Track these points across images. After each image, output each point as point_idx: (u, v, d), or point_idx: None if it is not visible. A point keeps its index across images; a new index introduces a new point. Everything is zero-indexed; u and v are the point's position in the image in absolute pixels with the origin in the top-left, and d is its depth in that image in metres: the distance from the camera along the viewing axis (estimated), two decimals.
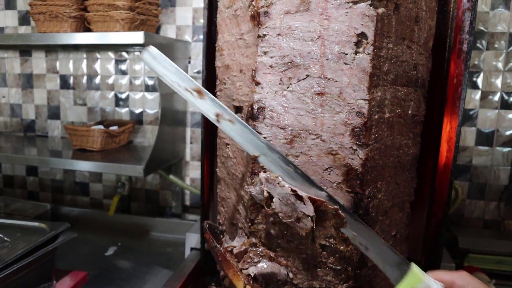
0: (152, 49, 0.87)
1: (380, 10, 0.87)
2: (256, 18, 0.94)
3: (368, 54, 0.88)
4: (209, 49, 1.23)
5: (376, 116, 0.92)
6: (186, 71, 1.90)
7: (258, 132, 0.96)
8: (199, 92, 0.88)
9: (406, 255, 1.15)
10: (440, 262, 1.23)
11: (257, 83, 0.95)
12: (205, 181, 1.35)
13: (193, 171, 2.13)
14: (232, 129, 0.89)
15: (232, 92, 1.08)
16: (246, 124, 0.90)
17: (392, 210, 1.03)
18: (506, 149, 1.74)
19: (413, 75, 1.00)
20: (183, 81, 0.88)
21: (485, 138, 1.77)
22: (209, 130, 1.33)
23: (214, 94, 1.19)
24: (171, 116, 1.90)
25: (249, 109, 0.98)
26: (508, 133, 1.74)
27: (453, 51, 1.25)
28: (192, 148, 2.11)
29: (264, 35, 0.93)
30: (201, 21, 1.88)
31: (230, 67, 1.08)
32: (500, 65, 1.72)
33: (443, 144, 1.28)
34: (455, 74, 1.22)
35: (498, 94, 1.73)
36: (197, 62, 1.99)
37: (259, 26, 0.93)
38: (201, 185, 1.37)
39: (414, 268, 0.78)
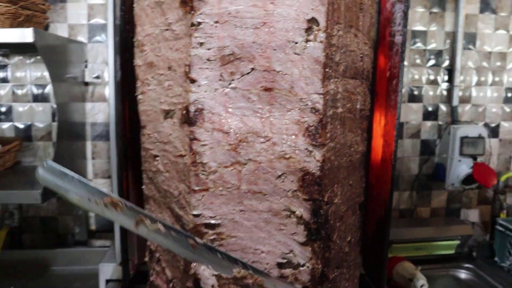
0: (49, 163, 0.67)
1: None
2: (188, 3, 0.79)
3: (321, 42, 0.78)
4: (123, 45, 1.03)
5: (330, 112, 0.82)
6: (83, 76, 1.65)
7: (197, 138, 0.80)
8: (114, 204, 0.69)
9: (359, 260, 1.08)
10: (385, 262, 1.19)
11: (193, 81, 0.80)
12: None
13: None
14: (160, 237, 0.72)
15: (159, 94, 0.90)
16: (176, 228, 0.74)
17: (347, 214, 0.95)
18: (414, 140, 1.80)
19: (360, 66, 0.93)
20: (93, 194, 0.68)
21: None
22: (126, 140, 1.13)
23: (135, 98, 1.00)
24: (68, 129, 1.63)
25: (184, 112, 0.82)
26: (414, 124, 1.79)
27: (382, 43, 1.22)
28: (94, 164, 1.84)
29: (199, 23, 0.78)
30: (98, 19, 1.64)
31: (155, 65, 0.91)
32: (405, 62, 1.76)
33: (377, 139, 1.24)
34: (387, 67, 1.18)
35: (405, 88, 1.77)
36: (96, 65, 1.73)
37: (192, 12, 0.78)
38: None
39: None
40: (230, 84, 0.79)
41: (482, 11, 1.75)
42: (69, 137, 1.64)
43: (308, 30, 0.78)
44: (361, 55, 0.93)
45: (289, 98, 0.79)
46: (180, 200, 0.86)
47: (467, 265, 1.70)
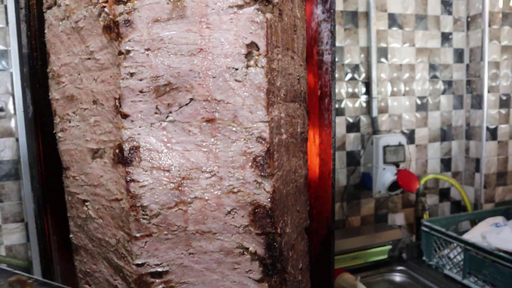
0: None
1: (269, 16, 0.74)
2: (114, 30, 0.70)
3: (262, 67, 0.74)
4: (33, 76, 0.91)
5: (276, 139, 0.78)
6: None
7: (134, 179, 0.72)
8: (21, 282, 0.59)
9: (309, 286, 1.05)
10: (333, 280, 1.18)
11: (125, 116, 0.71)
12: (48, 249, 1.00)
13: (9, 237, 1.64)
14: None
15: (83, 131, 0.80)
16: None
17: (297, 242, 0.91)
18: (340, 152, 1.85)
19: (298, 88, 0.91)
20: None
21: None
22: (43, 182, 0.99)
23: (51, 134, 0.88)
24: None
25: (116, 151, 0.73)
26: (338, 137, 1.84)
27: (310, 62, 1.22)
28: (3, 207, 1.62)
29: (128, 51, 0.70)
30: None
31: (77, 98, 0.80)
32: None
33: (313, 158, 1.23)
34: (317, 86, 1.18)
35: None
36: None
37: (120, 39, 0.70)
38: (42, 256, 1.01)
39: None
40: (167, 117, 0.72)
41: (390, 26, 1.86)
42: None
43: (248, 55, 0.74)
44: (298, 77, 0.91)
45: (233, 129, 0.74)
46: (119, 249, 0.76)
47: (399, 267, 1.77)
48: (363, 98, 1.84)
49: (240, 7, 0.73)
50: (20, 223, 1.57)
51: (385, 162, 1.77)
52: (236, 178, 0.75)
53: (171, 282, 0.75)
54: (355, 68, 1.82)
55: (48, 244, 0.99)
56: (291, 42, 0.86)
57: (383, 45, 1.85)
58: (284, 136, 0.82)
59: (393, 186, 1.76)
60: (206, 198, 0.75)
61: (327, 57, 1.11)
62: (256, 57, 0.74)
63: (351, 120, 1.85)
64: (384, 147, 1.76)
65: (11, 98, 1.47)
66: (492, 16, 1.84)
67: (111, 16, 0.71)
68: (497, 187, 1.92)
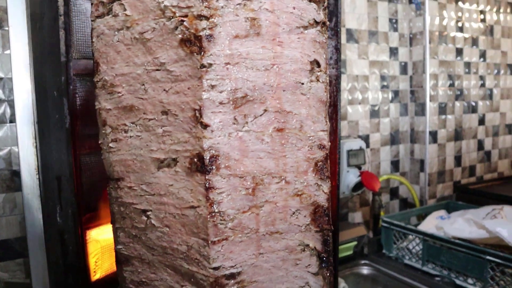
0: None
1: (325, 36, 0.83)
2: (195, 43, 0.74)
3: (323, 82, 0.83)
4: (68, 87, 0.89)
5: (329, 146, 0.87)
6: None
7: (213, 187, 0.76)
8: None
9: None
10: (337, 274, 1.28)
11: (205, 126, 0.75)
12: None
13: None
14: None
15: (147, 141, 0.81)
16: None
17: None
18: None
19: (327, 99, 1.00)
20: None
21: None
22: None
23: (97, 146, 0.87)
24: None
25: (195, 160, 0.76)
26: None
27: None
28: None
29: (210, 65, 0.74)
30: None
31: (138, 108, 0.81)
32: None
33: None
34: None
35: None
36: None
37: (202, 53, 0.74)
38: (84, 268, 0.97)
39: None
40: (244, 127, 0.77)
41: (348, 40, 2.04)
42: None
43: (311, 71, 0.82)
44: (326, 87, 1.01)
45: (299, 137, 0.81)
46: (191, 255, 0.79)
47: (363, 261, 1.94)
48: None
49: (305, 27, 0.81)
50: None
51: (348, 165, 1.93)
52: (301, 182, 0.82)
53: (244, 282, 0.80)
54: None
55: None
56: (326, 57, 0.96)
57: (343, 57, 2.03)
58: (330, 143, 0.91)
59: (357, 186, 1.94)
60: (275, 201, 0.81)
61: (331, 71, 1.23)
62: (318, 73, 0.82)
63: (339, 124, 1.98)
64: (348, 151, 1.93)
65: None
66: (431, 34, 2.12)
67: (192, 31, 0.74)
68: (438, 184, 2.20)
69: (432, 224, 1.94)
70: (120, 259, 0.90)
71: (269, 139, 0.79)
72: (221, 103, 0.75)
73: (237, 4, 0.75)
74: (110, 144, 0.86)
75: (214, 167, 0.75)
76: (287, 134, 0.80)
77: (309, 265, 0.85)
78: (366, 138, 2.12)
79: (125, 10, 0.81)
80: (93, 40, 0.85)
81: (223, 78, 0.75)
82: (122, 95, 0.83)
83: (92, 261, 1.04)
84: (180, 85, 0.77)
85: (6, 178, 1.38)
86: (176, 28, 0.75)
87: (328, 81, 0.84)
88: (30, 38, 1.03)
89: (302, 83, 0.81)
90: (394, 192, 2.24)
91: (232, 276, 0.79)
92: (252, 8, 0.76)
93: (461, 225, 1.72)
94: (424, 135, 2.14)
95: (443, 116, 2.17)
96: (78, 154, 0.92)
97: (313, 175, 0.83)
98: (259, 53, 0.77)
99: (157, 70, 0.79)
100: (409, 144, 2.24)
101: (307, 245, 0.85)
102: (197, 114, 0.75)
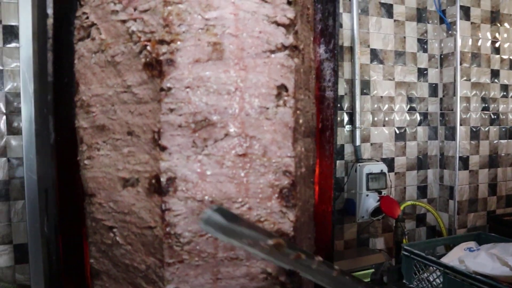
0: (218, 207, 0.67)
1: (296, 60, 0.82)
2: (156, 68, 0.75)
3: (290, 107, 0.81)
4: (58, 103, 0.93)
5: (298, 173, 0.85)
6: None
7: (169, 209, 0.76)
8: (279, 245, 0.67)
9: None
10: None
11: (163, 148, 0.76)
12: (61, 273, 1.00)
13: None
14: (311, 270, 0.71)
15: (115, 160, 0.83)
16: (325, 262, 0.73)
17: None
18: None
19: (312, 124, 0.98)
20: (260, 237, 0.67)
21: None
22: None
23: (75, 161, 0.90)
24: None
25: (153, 181, 0.77)
26: None
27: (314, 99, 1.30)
28: None
29: (169, 88, 0.75)
30: None
31: (108, 128, 0.84)
32: None
33: (315, 188, 1.30)
34: (318, 120, 1.26)
35: None
36: None
37: (162, 77, 0.75)
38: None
39: None
40: (203, 150, 0.77)
41: (372, 61, 1.98)
42: None
43: (278, 95, 0.80)
44: (312, 114, 0.98)
45: (263, 163, 0.80)
46: (149, 275, 0.79)
47: None
48: (347, 127, 1.95)
49: (272, 52, 0.80)
50: (8, 245, 1.54)
51: (368, 189, 1.86)
52: (264, 208, 0.80)
53: None
54: (340, 99, 1.92)
55: (62, 268, 1.00)
56: (308, 82, 0.94)
57: (366, 78, 1.97)
58: (303, 169, 0.89)
59: (376, 211, 1.86)
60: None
61: (329, 93, 1.20)
62: (285, 97, 0.81)
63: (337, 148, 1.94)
64: (368, 175, 1.86)
65: (4, 118, 1.47)
66: (463, 55, 2.01)
67: (153, 55, 0.76)
68: (469, 213, 2.06)
69: (458, 256, 1.81)
70: (92, 273, 0.92)
71: (230, 164, 0.78)
72: (179, 126, 0.76)
73: (199, 29, 0.76)
74: (85, 161, 0.89)
75: (171, 189, 0.76)
76: (249, 159, 0.79)
77: None
78: (390, 162, 2.04)
79: (100, 34, 0.84)
80: (75, 61, 0.90)
81: (182, 102, 0.76)
82: (96, 114, 0.86)
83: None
84: (143, 107, 0.78)
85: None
86: (140, 52, 0.78)
87: (296, 106, 0.82)
88: (34, 55, 1.10)
89: (267, 108, 0.79)
90: (421, 219, 2.12)
91: None
92: (215, 32, 0.77)
93: (484, 259, 1.59)
94: (454, 161, 2.02)
95: (475, 141, 2.04)
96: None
97: (278, 201, 0.81)
98: (221, 78, 0.77)
99: (125, 92, 0.81)
100: (438, 170, 2.12)
101: (270, 274, 0.82)
102: (156, 136, 0.76)
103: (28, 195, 1.16)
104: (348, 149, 1.95)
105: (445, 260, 1.82)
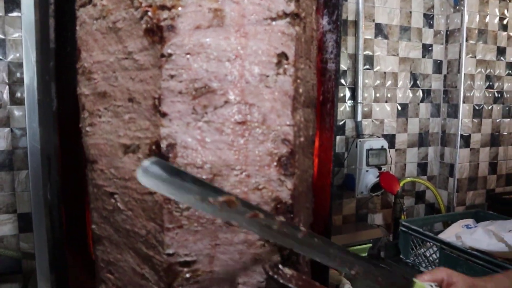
0: (156, 159, 0.64)
1: (297, 29, 0.81)
2: (157, 33, 0.75)
3: (290, 75, 0.81)
4: (61, 71, 0.93)
5: (297, 142, 0.85)
6: None
7: None
8: (230, 202, 0.66)
9: (310, 277, 1.13)
10: (328, 276, 1.26)
11: (164, 114, 0.76)
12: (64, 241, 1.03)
13: (0, 228, 1.63)
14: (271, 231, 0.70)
15: (116, 126, 0.84)
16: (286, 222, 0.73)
17: None
18: None
19: (312, 95, 0.98)
20: (208, 193, 0.66)
21: None
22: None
23: (78, 130, 0.91)
24: None
25: (153, 147, 0.78)
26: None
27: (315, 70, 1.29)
28: None
29: (170, 55, 0.75)
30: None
31: (110, 95, 0.84)
32: None
33: (314, 160, 1.31)
34: (320, 92, 1.26)
35: None
36: None
37: (162, 43, 0.75)
38: (55, 245, 1.03)
39: (416, 281, 0.79)
40: (203, 117, 0.78)
41: (376, 36, 1.97)
42: None
43: (278, 64, 0.80)
44: (312, 84, 0.98)
45: (262, 131, 0.80)
46: (149, 240, 0.81)
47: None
48: (349, 103, 1.94)
49: (273, 19, 0.79)
50: (12, 214, 1.57)
51: (368, 164, 1.87)
52: (262, 176, 0.81)
53: (198, 271, 0.81)
54: (343, 74, 1.92)
55: (65, 235, 1.02)
56: (309, 52, 0.94)
57: (369, 53, 1.96)
58: (302, 139, 0.89)
59: (375, 187, 1.87)
60: (234, 193, 0.80)
61: (331, 66, 1.19)
62: (285, 66, 0.81)
63: (338, 123, 1.94)
64: (368, 150, 1.87)
65: (6, 88, 1.47)
66: (469, 31, 1.99)
67: (154, 21, 0.75)
68: (468, 191, 2.07)
69: (455, 232, 1.83)
70: (94, 238, 0.94)
71: (229, 131, 0.79)
72: (180, 92, 0.76)
73: None
74: (87, 128, 0.90)
75: (171, 155, 0.77)
76: (249, 127, 0.80)
77: (270, 261, 0.84)
78: (391, 138, 2.04)
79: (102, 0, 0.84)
80: (77, 28, 0.90)
81: (183, 68, 0.76)
82: (98, 81, 0.86)
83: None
84: (143, 74, 0.79)
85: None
86: (141, 18, 0.77)
87: (296, 75, 0.82)
88: (36, 23, 1.09)
89: (267, 76, 0.80)
90: (420, 196, 2.14)
91: (186, 264, 0.80)
92: None
93: (480, 236, 1.61)
94: (455, 138, 2.02)
95: (477, 119, 2.03)
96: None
97: (276, 169, 0.82)
98: (221, 44, 0.77)
99: (126, 58, 0.81)
100: (439, 147, 2.12)
101: (268, 241, 0.84)
102: (156, 103, 0.76)
103: (31, 164, 1.17)
104: (349, 125, 1.95)
105: (442, 236, 1.84)
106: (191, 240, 0.80)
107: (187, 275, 0.80)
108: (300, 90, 0.86)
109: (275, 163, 0.82)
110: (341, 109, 1.93)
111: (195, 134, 0.78)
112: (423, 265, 1.80)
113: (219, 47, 0.77)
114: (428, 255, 1.79)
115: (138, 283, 0.85)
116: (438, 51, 2.08)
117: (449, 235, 1.84)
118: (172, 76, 0.76)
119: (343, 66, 1.90)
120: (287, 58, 0.81)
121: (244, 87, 0.79)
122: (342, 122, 1.94)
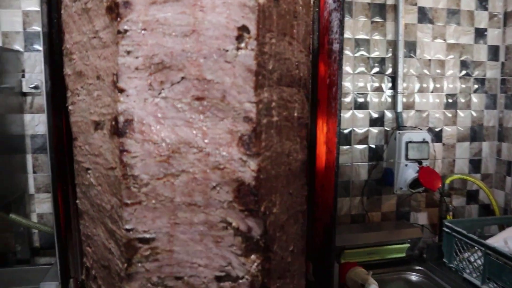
0: None
1: (261, 1, 0.77)
2: (114, 10, 0.76)
3: (252, 50, 0.77)
4: (52, 54, 0.99)
5: (264, 121, 0.81)
6: (20, 86, 1.57)
7: (127, 150, 0.77)
8: None
9: (304, 269, 1.07)
10: (333, 269, 1.19)
11: (121, 90, 0.77)
12: (61, 215, 1.08)
13: (41, 205, 1.76)
14: None
15: (88, 104, 0.86)
16: None
17: (288, 223, 0.94)
18: (362, 147, 1.82)
19: (296, 74, 0.93)
20: None
21: (344, 138, 1.82)
22: (60, 153, 1.07)
23: (66, 109, 0.95)
24: (5, 141, 1.55)
25: (113, 123, 0.79)
26: (361, 131, 1.82)
27: (322, 51, 1.23)
28: (36, 178, 1.75)
29: (126, 31, 0.76)
30: (35, 27, 1.57)
31: (84, 74, 0.87)
32: (349, 69, 1.79)
33: (321, 147, 1.25)
34: (326, 75, 1.19)
35: (351, 96, 1.79)
36: (34, 75, 1.66)
37: (119, 19, 0.75)
38: (55, 221, 1.09)
39: None
40: (160, 93, 0.77)
41: (420, 21, 1.81)
42: (5, 150, 1.56)
43: (239, 38, 0.77)
44: (297, 63, 0.93)
45: (221, 107, 0.77)
46: (113, 215, 0.82)
47: (417, 267, 1.73)
48: (389, 92, 1.82)
49: None
50: (51, 194, 1.69)
51: (407, 158, 1.74)
52: (222, 155, 0.78)
53: (157, 249, 0.80)
54: (381, 61, 1.80)
55: (63, 211, 1.07)
56: (289, 28, 0.88)
57: (412, 39, 1.81)
58: (275, 118, 0.84)
59: (415, 183, 1.73)
60: (193, 172, 0.79)
61: (335, 46, 1.12)
62: (247, 40, 0.77)
63: (375, 114, 1.82)
64: (407, 143, 1.73)
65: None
66: None
67: None
68: None
69: (504, 237, 1.63)
70: (78, 212, 0.98)
71: (187, 107, 0.77)
72: (136, 68, 0.77)
73: None
74: (70, 107, 0.94)
75: (127, 131, 0.77)
76: (207, 103, 0.77)
77: (232, 245, 0.81)
78: (437, 131, 1.87)
79: None
80: (62, 12, 0.94)
81: (139, 44, 0.76)
82: (76, 61, 0.90)
83: None
84: (106, 51, 0.80)
85: None
86: None
87: (260, 49, 0.78)
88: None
89: (227, 50, 0.77)
90: (472, 196, 1.93)
91: (145, 240, 0.80)
92: None
93: None
94: None
95: None
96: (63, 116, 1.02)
97: (237, 149, 0.78)
98: (177, 19, 0.76)
99: (94, 37, 0.83)
100: (495, 142, 1.90)
101: (230, 224, 0.81)
102: (115, 79, 0.77)
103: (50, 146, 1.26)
104: (389, 116, 1.82)
105: (491, 240, 1.65)
106: (149, 217, 0.80)
107: (147, 253, 0.80)
108: (270, 67, 0.81)
109: (236, 142, 0.78)
110: (381, 99, 1.81)
111: (152, 110, 0.77)
112: (467, 270, 1.63)
113: (175, 22, 0.76)
114: (472, 260, 1.62)
115: (106, 257, 0.87)
116: (494, 36, 1.86)
117: (498, 239, 1.64)
118: (128, 52, 0.76)
119: (382, 54, 1.78)
120: (248, 31, 0.77)
121: (201, 62, 0.76)
122: (381, 114, 1.82)
